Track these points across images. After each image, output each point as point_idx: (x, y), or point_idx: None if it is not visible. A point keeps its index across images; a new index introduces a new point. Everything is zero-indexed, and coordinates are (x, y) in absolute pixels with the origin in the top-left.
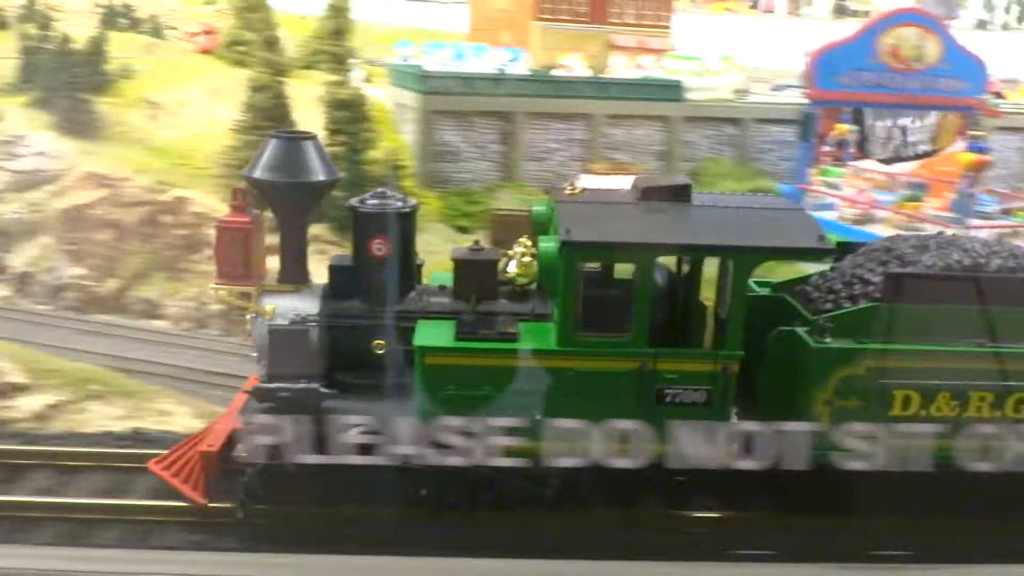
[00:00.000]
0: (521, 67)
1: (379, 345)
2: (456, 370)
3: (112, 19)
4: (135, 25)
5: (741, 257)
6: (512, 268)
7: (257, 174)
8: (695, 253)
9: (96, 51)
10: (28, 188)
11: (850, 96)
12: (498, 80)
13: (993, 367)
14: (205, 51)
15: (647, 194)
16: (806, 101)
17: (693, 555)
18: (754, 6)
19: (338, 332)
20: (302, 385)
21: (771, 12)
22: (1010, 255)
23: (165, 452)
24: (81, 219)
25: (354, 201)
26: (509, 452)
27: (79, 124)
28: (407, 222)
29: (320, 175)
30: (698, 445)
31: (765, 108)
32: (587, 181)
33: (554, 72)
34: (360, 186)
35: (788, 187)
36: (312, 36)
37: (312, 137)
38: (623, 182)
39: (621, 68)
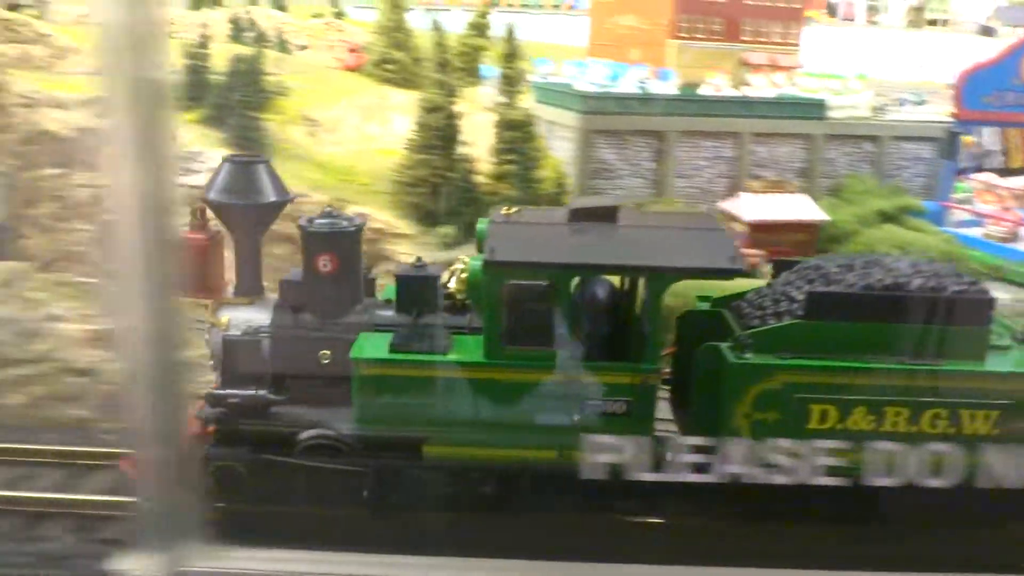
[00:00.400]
0: (670, 86)
1: (324, 355)
2: (389, 380)
3: (239, 34)
4: (260, 40)
5: (653, 276)
6: (452, 283)
7: (212, 195)
8: (607, 273)
9: (256, 68)
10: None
11: (994, 116)
12: (652, 99)
13: (908, 383)
14: (351, 68)
15: (576, 215)
16: (949, 119)
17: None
18: (832, 14)
19: (286, 343)
20: (251, 392)
21: (851, 20)
22: (933, 275)
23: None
24: None
25: (302, 220)
26: (832, 471)
27: (250, 141)
28: (352, 240)
29: (271, 196)
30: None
31: (905, 126)
32: (745, 200)
33: (701, 90)
34: (531, 204)
35: (932, 204)
36: (460, 53)
37: (264, 161)
38: (780, 200)
39: (758, 86)
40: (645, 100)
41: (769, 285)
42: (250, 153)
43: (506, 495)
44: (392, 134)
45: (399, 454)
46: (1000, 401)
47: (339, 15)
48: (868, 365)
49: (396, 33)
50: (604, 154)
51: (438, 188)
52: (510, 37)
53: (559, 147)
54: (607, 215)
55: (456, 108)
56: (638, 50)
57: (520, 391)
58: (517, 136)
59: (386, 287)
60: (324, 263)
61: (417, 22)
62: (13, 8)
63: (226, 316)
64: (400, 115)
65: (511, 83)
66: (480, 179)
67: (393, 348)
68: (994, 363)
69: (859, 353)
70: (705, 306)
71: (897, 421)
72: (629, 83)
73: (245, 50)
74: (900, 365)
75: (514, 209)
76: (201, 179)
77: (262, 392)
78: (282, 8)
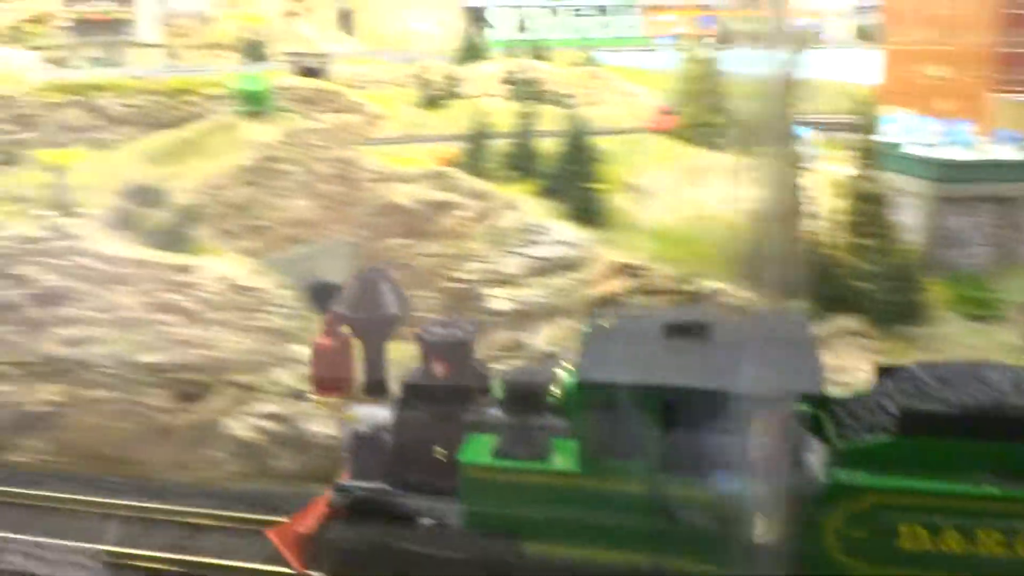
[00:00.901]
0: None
1: (440, 452)
2: (492, 484)
3: (522, 94)
4: (538, 98)
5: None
6: (556, 388)
7: (343, 309)
8: (692, 398)
9: (583, 138)
10: (547, 273)
11: None
12: (1011, 166)
13: (1003, 508)
14: (661, 130)
15: (670, 331)
16: None
17: None
18: None
19: (405, 439)
20: (374, 485)
21: None
22: None
23: (282, 522)
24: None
25: (420, 329)
26: None
27: (589, 213)
28: (466, 347)
29: (392, 310)
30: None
31: None
32: None
33: None
34: (886, 277)
35: None
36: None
37: (387, 274)
38: None
39: None
40: (1005, 167)
41: (869, 393)
42: (375, 268)
43: None
44: (715, 198)
45: (504, 546)
46: None
47: (590, 61)
48: (959, 489)
49: (697, 84)
50: (952, 222)
51: (789, 260)
52: (866, 104)
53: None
54: (700, 332)
55: (801, 177)
56: (948, 102)
57: (612, 499)
58: (871, 208)
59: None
60: (438, 368)
61: (721, 66)
62: (308, 74)
63: (355, 412)
64: (720, 178)
65: (867, 154)
66: (829, 250)
67: (496, 454)
68: None
69: (954, 472)
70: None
71: (989, 544)
72: (957, 141)
73: (535, 109)
74: (994, 490)
75: (608, 320)
76: (545, 251)
77: (383, 486)
78: (544, 58)
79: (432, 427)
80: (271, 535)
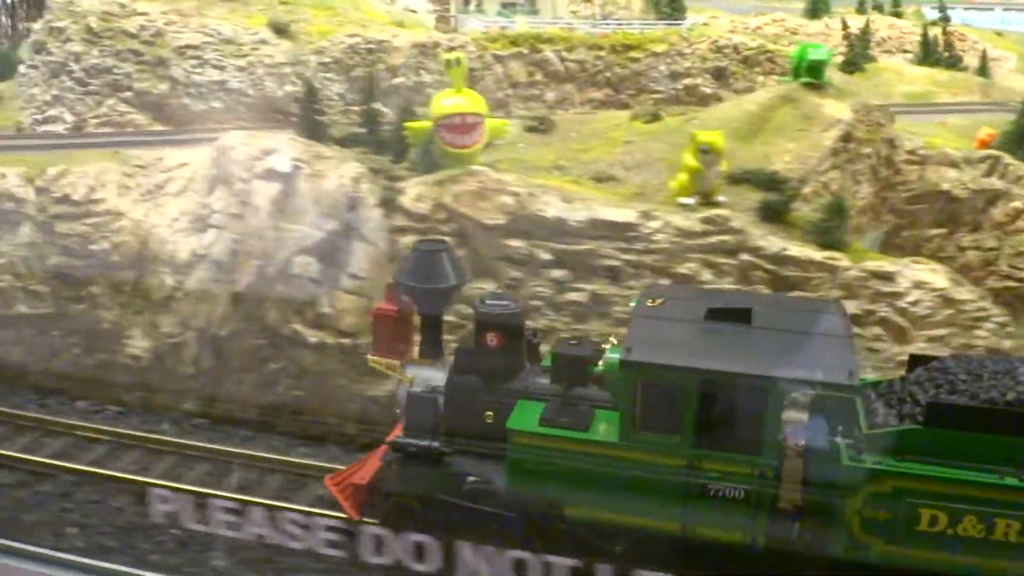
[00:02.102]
0: None
1: (488, 416)
2: (537, 449)
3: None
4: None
5: (774, 386)
6: (601, 362)
7: (403, 279)
8: (731, 380)
9: None
10: None
11: None
12: None
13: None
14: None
15: (713, 314)
16: None
17: None
18: None
19: (458, 402)
20: (426, 442)
21: None
22: None
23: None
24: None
25: (476, 301)
26: None
27: None
28: (516, 320)
29: (450, 281)
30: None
31: None
32: None
33: None
34: None
35: None
36: None
37: (446, 249)
38: None
39: None
40: None
41: (903, 379)
42: (434, 241)
43: (634, 555)
44: None
45: (545, 508)
46: None
47: (945, 20)
48: (978, 479)
49: None
50: None
51: None
52: None
53: None
54: (742, 316)
55: None
56: None
57: (649, 469)
58: None
59: (547, 354)
60: (491, 339)
61: None
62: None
63: (411, 374)
64: None
65: None
66: None
67: (541, 422)
68: None
69: (976, 462)
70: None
71: (1008, 532)
72: None
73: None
74: (1014, 482)
75: (659, 300)
76: None
77: (435, 443)
78: (898, 15)
79: (482, 392)
80: (328, 483)
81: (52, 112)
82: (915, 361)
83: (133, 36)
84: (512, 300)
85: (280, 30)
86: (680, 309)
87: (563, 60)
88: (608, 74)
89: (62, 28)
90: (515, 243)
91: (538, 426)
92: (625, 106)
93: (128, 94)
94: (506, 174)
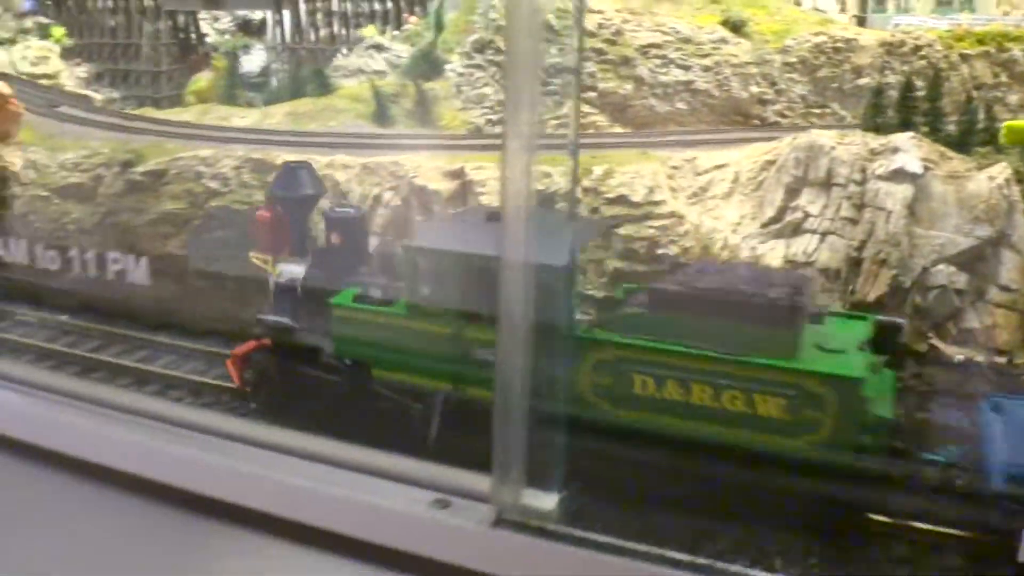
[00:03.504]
0: None
1: (329, 302)
2: (349, 320)
3: None
4: None
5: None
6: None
7: (273, 190)
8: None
9: None
10: None
11: None
12: None
13: (714, 368)
14: None
15: (489, 216)
16: None
17: None
18: None
19: (309, 289)
20: (284, 320)
21: None
22: (766, 283)
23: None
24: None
25: (325, 207)
26: None
27: None
28: (356, 224)
29: (308, 191)
30: None
31: None
32: None
33: None
34: None
35: None
36: None
37: (307, 166)
38: None
39: None
40: None
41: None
42: (298, 162)
43: (426, 410)
44: None
45: (360, 370)
46: (787, 392)
47: None
48: (679, 349)
49: None
50: None
51: None
52: None
53: None
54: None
55: None
56: None
57: (430, 337)
58: None
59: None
60: (334, 238)
61: None
62: None
63: (279, 268)
64: None
65: None
66: None
67: (355, 299)
68: (799, 361)
69: (689, 340)
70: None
71: (703, 397)
72: None
73: None
74: (707, 352)
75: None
76: None
77: (291, 322)
78: None
79: (326, 281)
80: (231, 358)
81: None
82: (673, 266)
83: (592, 35)
84: (355, 208)
85: (736, 28)
86: (476, 215)
87: None
88: None
89: None
90: None
91: (351, 302)
92: None
93: (592, 94)
94: None
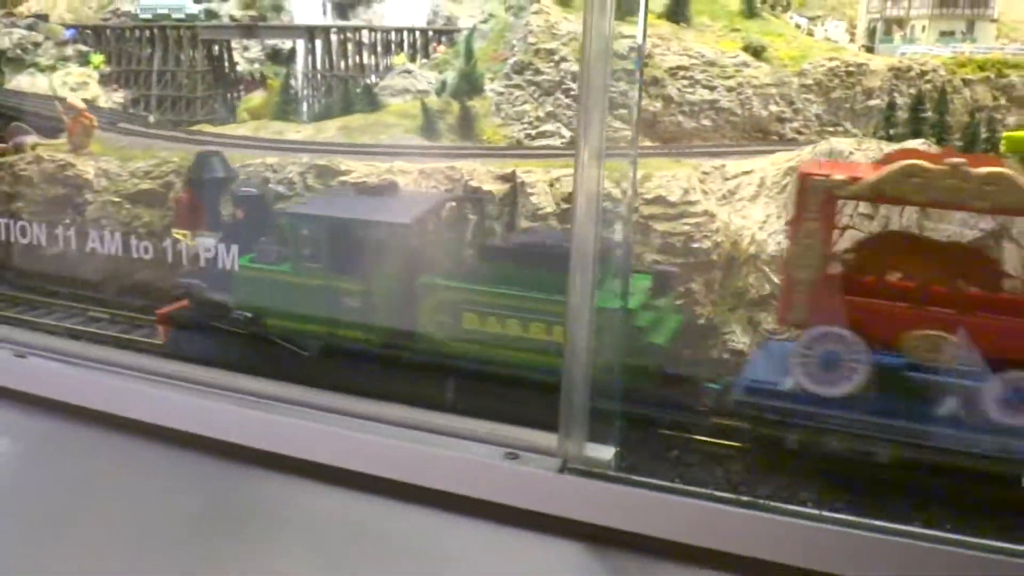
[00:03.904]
0: None
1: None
2: (246, 279)
3: None
4: None
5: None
6: None
7: (191, 174)
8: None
9: None
10: None
11: None
12: None
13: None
14: None
15: (360, 191)
16: None
17: None
18: None
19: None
20: (194, 281)
21: None
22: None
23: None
24: None
25: (235, 189)
26: None
27: None
28: (258, 201)
29: (220, 174)
30: None
31: None
32: None
33: None
34: None
35: None
36: None
37: (218, 154)
38: None
39: None
40: None
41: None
42: (209, 151)
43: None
44: None
45: (257, 323)
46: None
47: None
48: (493, 290)
49: None
50: None
51: None
52: None
53: None
54: (376, 191)
55: None
56: None
57: (308, 291)
58: None
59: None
60: (239, 213)
61: None
62: None
63: (196, 241)
64: None
65: None
66: None
67: (251, 260)
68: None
69: (514, 286)
70: None
71: (513, 328)
72: None
73: None
74: (515, 292)
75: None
76: None
77: (196, 281)
78: None
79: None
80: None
81: (546, 127)
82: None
83: (624, 57)
84: (258, 190)
85: (757, 53)
86: (348, 190)
87: None
88: None
89: (551, 49)
90: None
91: (249, 263)
92: None
93: (623, 111)
94: None
